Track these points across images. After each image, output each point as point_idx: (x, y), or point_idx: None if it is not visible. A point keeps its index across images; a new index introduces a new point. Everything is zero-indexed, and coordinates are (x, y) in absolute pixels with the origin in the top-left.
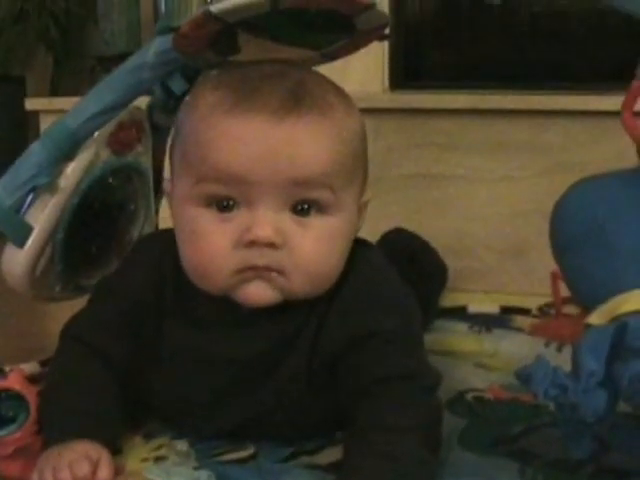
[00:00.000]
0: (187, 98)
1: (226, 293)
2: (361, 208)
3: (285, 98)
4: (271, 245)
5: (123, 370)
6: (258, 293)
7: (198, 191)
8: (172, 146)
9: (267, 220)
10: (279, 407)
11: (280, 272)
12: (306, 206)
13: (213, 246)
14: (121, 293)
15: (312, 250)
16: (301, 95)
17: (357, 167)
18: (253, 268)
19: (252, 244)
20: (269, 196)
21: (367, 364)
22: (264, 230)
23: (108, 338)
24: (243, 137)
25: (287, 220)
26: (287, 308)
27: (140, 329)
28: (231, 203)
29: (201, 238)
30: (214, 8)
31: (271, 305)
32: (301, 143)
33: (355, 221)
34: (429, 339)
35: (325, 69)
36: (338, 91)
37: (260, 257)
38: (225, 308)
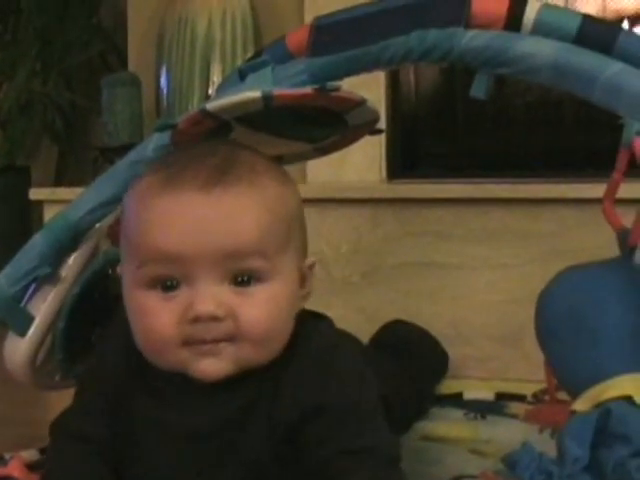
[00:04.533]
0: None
1: (180, 369)
2: (305, 273)
3: (213, 171)
4: (214, 319)
5: (114, 455)
6: (211, 368)
7: (141, 274)
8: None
9: (207, 295)
10: (251, 477)
11: (229, 340)
12: (246, 277)
13: (159, 323)
14: (98, 377)
15: (255, 317)
16: (228, 168)
17: (292, 233)
18: (201, 342)
19: (196, 320)
20: (206, 271)
21: (322, 439)
22: (205, 305)
23: (94, 424)
24: (173, 214)
25: (227, 292)
26: (243, 378)
27: (118, 410)
28: (174, 283)
29: (148, 317)
30: (210, 106)
31: (224, 378)
32: (229, 214)
33: (296, 286)
34: (424, 426)
35: (324, 160)
36: (269, 162)
37: (206, 331)
38: (183, 381)
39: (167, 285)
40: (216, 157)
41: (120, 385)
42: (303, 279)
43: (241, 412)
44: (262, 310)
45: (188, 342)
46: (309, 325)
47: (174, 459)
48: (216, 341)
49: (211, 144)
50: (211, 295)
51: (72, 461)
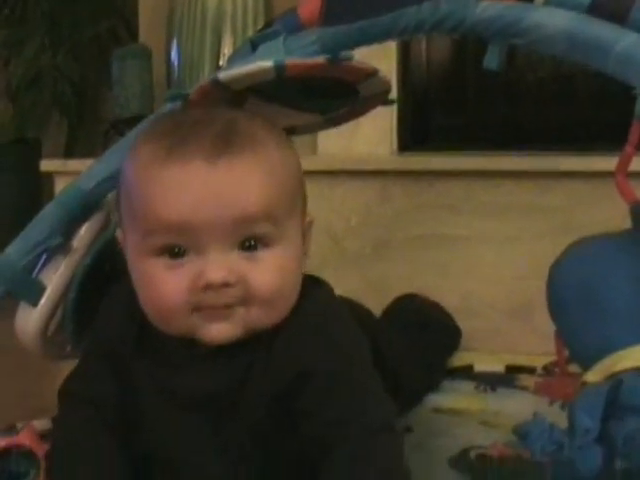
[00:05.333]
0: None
1: (188, 333)
2: (305, 231)
3: (216, 140)
4: (226, 285)
5: (120, 418)
6: (221, 332)
7: (147, 244)
8: (118, 197)
9: (218, 263)
10: (254, 444)
11: (240, 304)
12: (252, 242)
13: (167, 291)
14: (102, 341)
15: (266, 280)
16: (231, 136)
17: (295, 196)
18: (212, 307)
19: (208, 287)
20: (215, 239)
21: (313, 407)
22: (217, 273)
23: (98, 386)
24: (181, 185)
25: (236, 258)
26: (242, 342)
27: (122, 374)
28: (181, 250)
29: (156, 285)
30: (221, 76)
31: (232, 341)
32: (238, 183)
33: (300, 246)
34: (435, 398)
35: (335, 132)
36: (268, 127)
37: (217, 297)
38: (184, 346)
39: (174, 252)
40: (216, 124)
41: (124, 349)
42: (303, 238)
43: (240, 376)
44: (272, 274)
45: (198, 308)
46: (305, 290)
47: (178, 424)
48: (227, 306)
49: (206, 111)
50: (222, 262)
51: (77, 426)
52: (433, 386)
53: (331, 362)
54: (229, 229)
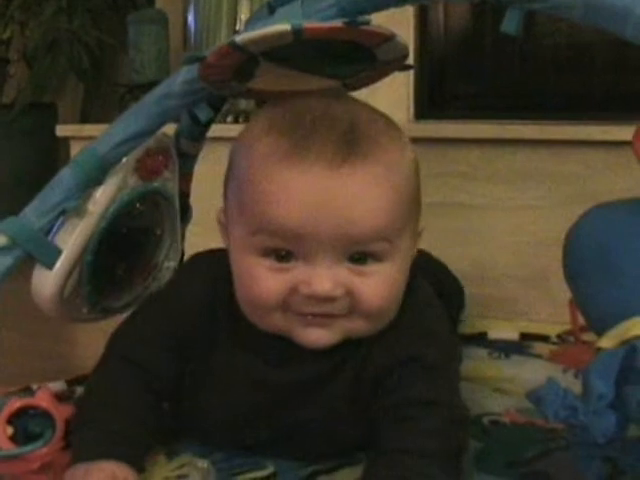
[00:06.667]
0: (239, 136)
1: (282, 332)
2: (416, 238)
3: (339, 145)
4: (331, 299)
5: (163, 389)
6: (320, 339)
7: (254, 242)
8: (227, 182)
9: (326, 275)
10: (318, 428)
11: (344, 316)
12: (363, 256)
13: (270, 291)
14: (174, 310)
15: (372, 295)
16: (354, 140)
17: (413, 208)
18: (312, 314)
19: (312, 297)
20: (327, 250)
21: (402, 385)
22: (323, 286)
23: (156, 356)
24: (299, 191)
25: (344, 271)
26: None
27: (191, 348)
28: (289, 254)
29: (257, 284)
30: (239, 39)
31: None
32: (357, 197)
33: (411, 257)
34: None
35: None
36: (388, 125)
37: (319, 307)
38: (276, 337)
39: (281, 255)
40: (338, 125)
41: (200, 325)
42: (414, 247)
43: (332, 369)
44: (379, 289)
45: (291, 308)
46: (409, 286)
47: (253, 403)
48: (329, 316)
49: (325, 101)
50: (329, 275)
51: (119, 385)
52: None
53: (429, 355)
54: (342, 243)
